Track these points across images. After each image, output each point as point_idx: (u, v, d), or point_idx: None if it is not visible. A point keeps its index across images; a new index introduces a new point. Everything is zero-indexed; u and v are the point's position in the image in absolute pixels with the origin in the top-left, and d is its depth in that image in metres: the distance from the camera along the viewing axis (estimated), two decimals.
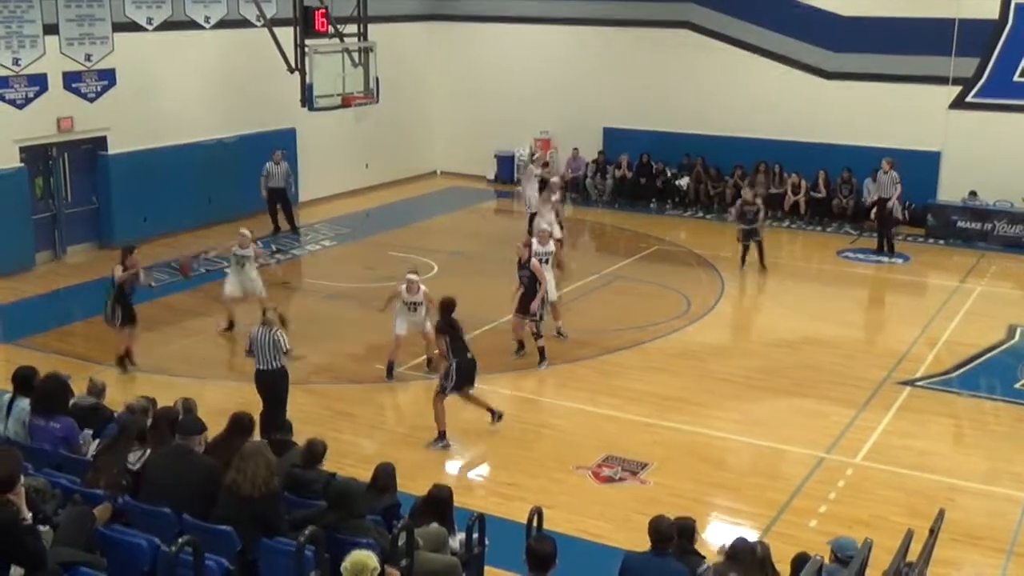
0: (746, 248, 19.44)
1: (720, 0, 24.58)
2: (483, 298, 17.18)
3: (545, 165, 22.30)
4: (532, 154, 22.34)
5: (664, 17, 25.10)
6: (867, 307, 17.61)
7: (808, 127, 23.57)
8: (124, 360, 14.03)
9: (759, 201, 19.63)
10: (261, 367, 11.59)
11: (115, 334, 14.03)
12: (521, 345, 14.89)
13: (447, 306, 12.17)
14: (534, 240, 15.30)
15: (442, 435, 12.13)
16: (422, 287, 14.08)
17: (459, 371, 12.06)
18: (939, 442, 12.49)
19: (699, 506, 10.43)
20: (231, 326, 15.72)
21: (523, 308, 14.43)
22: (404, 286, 13.98)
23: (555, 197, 19.07)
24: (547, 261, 15.05)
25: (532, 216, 19.96)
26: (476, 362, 12.31)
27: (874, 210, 21.10)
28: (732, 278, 19.00)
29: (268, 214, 21.51)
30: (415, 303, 13.99)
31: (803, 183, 23.57)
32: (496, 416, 12.53)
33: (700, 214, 24.37)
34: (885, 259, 20.56)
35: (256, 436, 8.97)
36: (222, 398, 12.81)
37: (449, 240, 21.63)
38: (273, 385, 11.60)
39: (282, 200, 21.52)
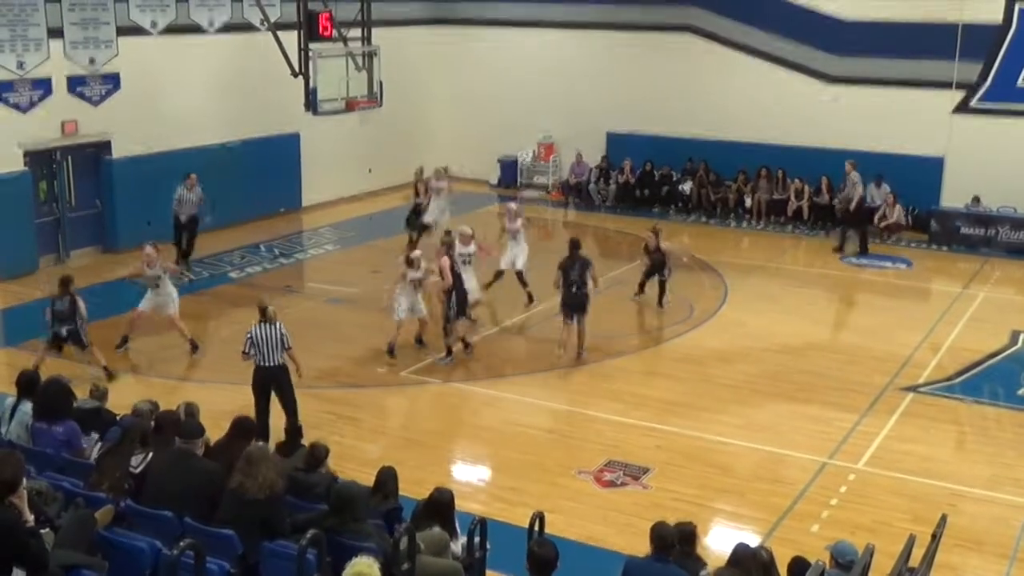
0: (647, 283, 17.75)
1: (722, 4, 24.62)
2: (485, 302, 17.20)
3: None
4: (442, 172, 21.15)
5: (667, 21, 25.12)
6: (870, 312, 17.60)
7: (811, 132, 23.56)
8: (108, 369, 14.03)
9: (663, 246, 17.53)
10: (265, 364, 11.61)
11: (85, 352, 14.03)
12: (466, 344, 15.13)
13: (574, 244, 14.81)
14: (456, 242, 15.68)
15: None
16: (423, 263, 14.82)
17: (562, 303, 14.63)
18: (942, 448, 12.47)
19: (701, 511, 10.42)
20: (124, 342, 15.22)
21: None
22: (402, 260, 14.80)
23: (517, 223, 17.86)
24: (468, 262, 15.54)
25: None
26: (581, 296, 14.52)
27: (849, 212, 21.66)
28: (735, 283, 19.00)
29: (176, 243, 19.09)
30: (419, 280, 14.66)
31: (806, 188, 23.56)
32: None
33: (703, 219, 24.37)
34: (889, 264, 20.56)
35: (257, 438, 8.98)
36: (222, 402, 12.82)
37: None
38: (278, 381, 11.66)
39: (191, 227, 19.18)
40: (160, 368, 14.69)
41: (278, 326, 11.64)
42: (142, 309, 15.18)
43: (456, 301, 14.58)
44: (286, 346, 11.64)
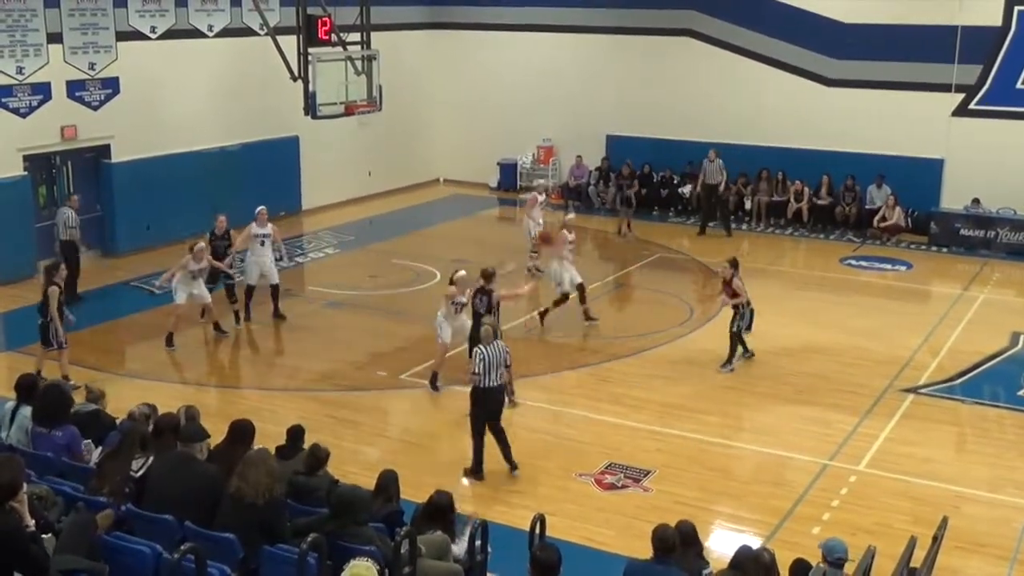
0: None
1: (722, 8, 24.63)
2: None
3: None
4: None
5: (666, 25, 25.15)
6: (870, 314, 17.59)
7: (810, 134, 23.60)
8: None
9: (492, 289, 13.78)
10: (488, 384, 11.28)
11: (59, 355, 13.70)
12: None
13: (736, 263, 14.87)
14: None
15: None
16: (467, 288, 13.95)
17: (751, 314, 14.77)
18: (942, 450, 12.47)
19: (702, 513, 10.41)
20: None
21: None
22: (453, 287, 13.79)
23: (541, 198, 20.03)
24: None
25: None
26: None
27: (699, 196, 23.74)
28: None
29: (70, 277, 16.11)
30: (462, 304, 13.88)
31: (806, 190, 23.57)
32: None
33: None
34: (889, 266, 20.57)
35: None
36: (223, 405, 12.83)
37: (451, 248, 21.59)
38: (499, 401, 11.47)
39: (75, 256, 17.42)
40: (159, 372, 14.67)
41: (501, 345, 11.44)
42: (250, 279, 15.96)
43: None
44: (507, 364, 11.40)
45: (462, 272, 14.00)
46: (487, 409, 11.42)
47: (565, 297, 16.44)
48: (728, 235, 22.94)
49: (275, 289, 16.63)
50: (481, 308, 13.47)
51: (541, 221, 19.72)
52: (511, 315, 16.79)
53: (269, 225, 16.58)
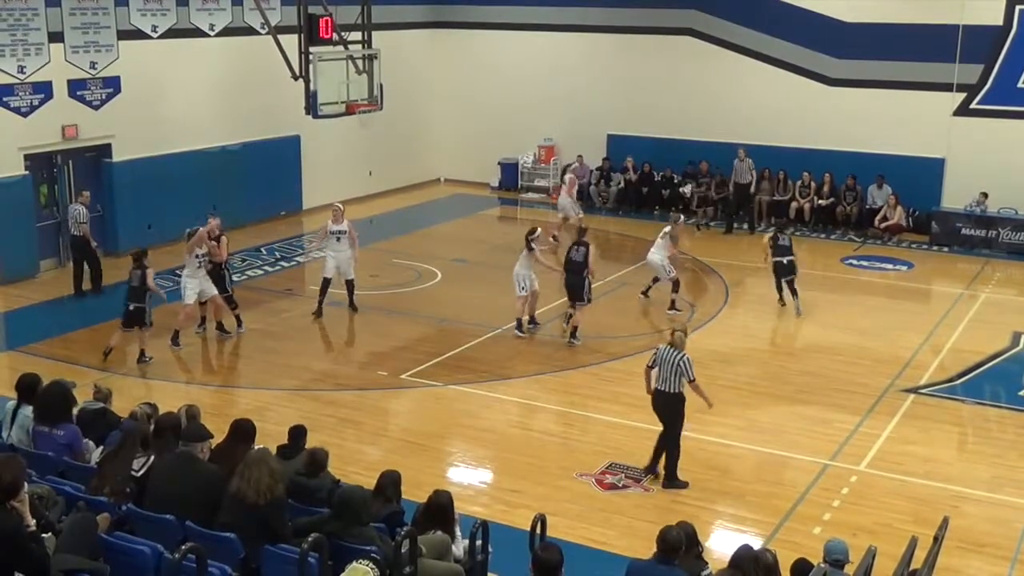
0: None
1: (724, 7, 24.63)
2: (486, 305, 17.21)
3: None
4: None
5: (668, 24, 25.15)
6: (871, 314, 17.59)
7: (812, 134, 23.61)
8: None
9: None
10: (660, 387, 11.31)
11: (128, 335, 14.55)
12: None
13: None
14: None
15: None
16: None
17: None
18: (943, 450, 12.46)
19: (703, 513, 10.43)
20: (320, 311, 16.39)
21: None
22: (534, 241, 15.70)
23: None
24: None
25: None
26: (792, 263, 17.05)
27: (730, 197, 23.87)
28: (736, 284, 19.00)
29: (75, 273, 17.89)
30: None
31: (813, 183, 23.56)
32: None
33: (704, 221, 24.35)
34: (890, 265, 20.55)
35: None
36: (224, 404, 12.82)
37: (452, 247, 21.64)
38: (667, 408, 11.34)
39: (89, 252, 17.89)
40: (161, 371, 14.67)
41: (679, 355, 11.15)
42: (329, 274, 16.50)
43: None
44: (689, 378, 11.15)
45: (539, 230, 16.20)
46: (655, 406, 11.45)
47: (676, 283, 17.47)
48: (728, 233, 22.95)
49: (350, 285, 16.88)
50: (578, 257, 15.63)
51: (571, 203, 22.19)
52: (511, 316, 16.82)
53: (345, 222, 16.78)
